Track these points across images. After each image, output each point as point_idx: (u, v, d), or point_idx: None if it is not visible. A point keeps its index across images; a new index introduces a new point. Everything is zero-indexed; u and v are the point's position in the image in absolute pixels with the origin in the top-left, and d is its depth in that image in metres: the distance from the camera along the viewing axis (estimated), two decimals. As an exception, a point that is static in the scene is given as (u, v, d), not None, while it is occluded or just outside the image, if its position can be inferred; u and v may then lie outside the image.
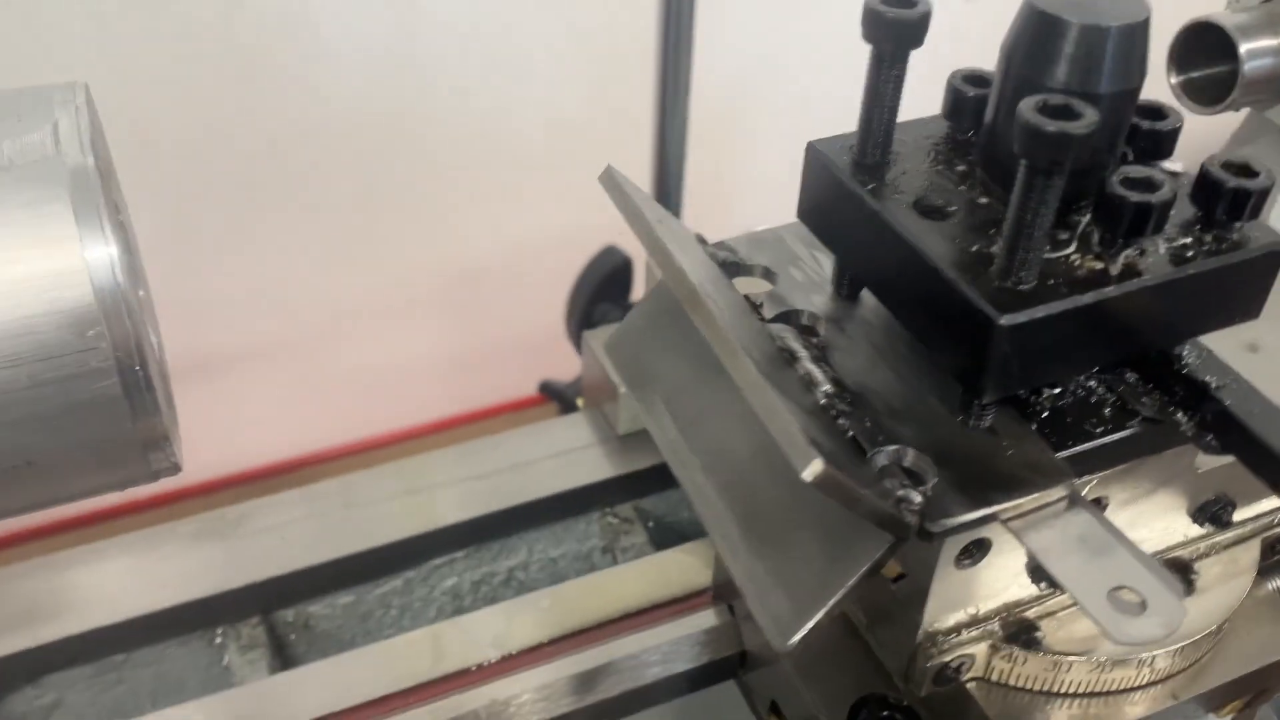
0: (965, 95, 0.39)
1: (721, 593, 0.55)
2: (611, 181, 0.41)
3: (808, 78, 1.21)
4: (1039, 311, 0.33)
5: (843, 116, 0.40)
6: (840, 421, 0.37)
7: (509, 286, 1.27)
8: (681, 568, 0.57)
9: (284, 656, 0.59)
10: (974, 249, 0.35)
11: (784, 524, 0.37)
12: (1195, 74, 0.57)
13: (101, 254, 0.33)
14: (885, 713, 0.47)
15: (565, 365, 1.27)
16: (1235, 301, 0.36)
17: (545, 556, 0.66)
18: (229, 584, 0.57)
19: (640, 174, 1.22)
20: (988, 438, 0.37)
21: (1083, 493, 0.40)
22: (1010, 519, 0.35)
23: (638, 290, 0.99)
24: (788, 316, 0.42)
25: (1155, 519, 0.44)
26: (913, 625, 0.41)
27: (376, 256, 1.23)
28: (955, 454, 0.36)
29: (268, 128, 1.10)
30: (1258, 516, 0.46)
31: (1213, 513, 0.44)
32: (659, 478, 0.65)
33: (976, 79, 0.39)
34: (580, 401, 0.70)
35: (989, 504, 0.34)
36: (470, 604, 0.65)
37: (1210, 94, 0.57)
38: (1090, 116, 0.30)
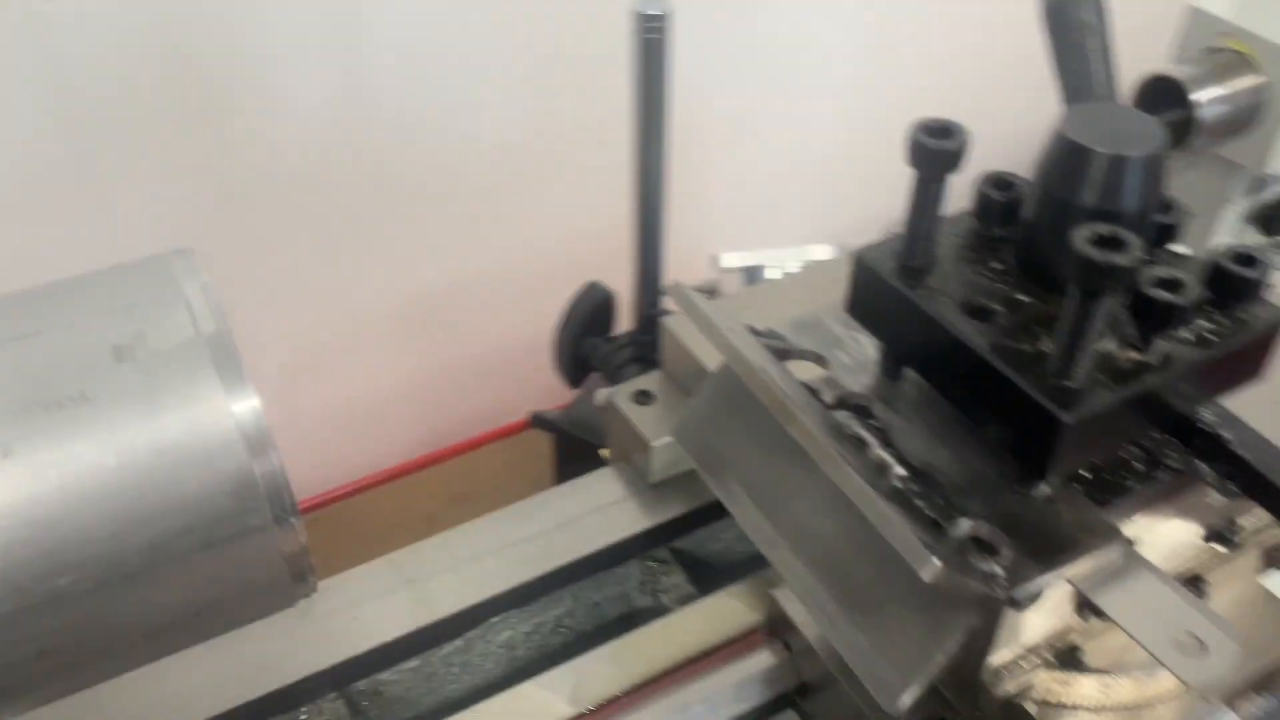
0: (993, 199, 0.44)
1: (776, 629, 0.59)
2: (681, 295, 0.45)
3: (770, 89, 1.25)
4: (1096, 407, 0.38)
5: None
6: (917, 503, 0.42)
7: (473, 314, 1.30)
8: (731, 609, 0.62)
9: (362, 726, 0.63)
10: (1023, 347, 0.40)
11: (878, 599, 0.41)
12: (1155, 118, 0.63)
13: (250, 418, 0.37)
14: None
15: (536, 387, 1.31)
16: (1245, 369, 0.42)
17: (589, 601, 0.70)
18: (311, 668, 0.60)
19: (611, 193, 1.25)
20: (1045, 505, 0.42)
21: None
22: (1074, 577, 0.40)
23: (620, 323, 1.03)
24: (846, 401, 0.47)
25: (1174, 544, 0.49)
26: (979, 665, 0.46)
27: (340, 292, 1.25)
28: (1020, 523, 0.41)
29: (224, 181, 1.11)
30: (1255, 531, 0.52)
31: (1219, 533, 0.50)
32: (690, 522, 0.70)
33: (1004, 183, 0.44)
34: (605, 453, 0.74)
35: (1059, 567, 0.39)
36: (524, 654, 0.69)
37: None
38: (1136, 247, 0.35)
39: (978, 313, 0.42)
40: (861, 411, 0.46)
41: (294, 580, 0.40)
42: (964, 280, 0.43)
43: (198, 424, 0.36)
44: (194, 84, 1.04)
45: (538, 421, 1.08)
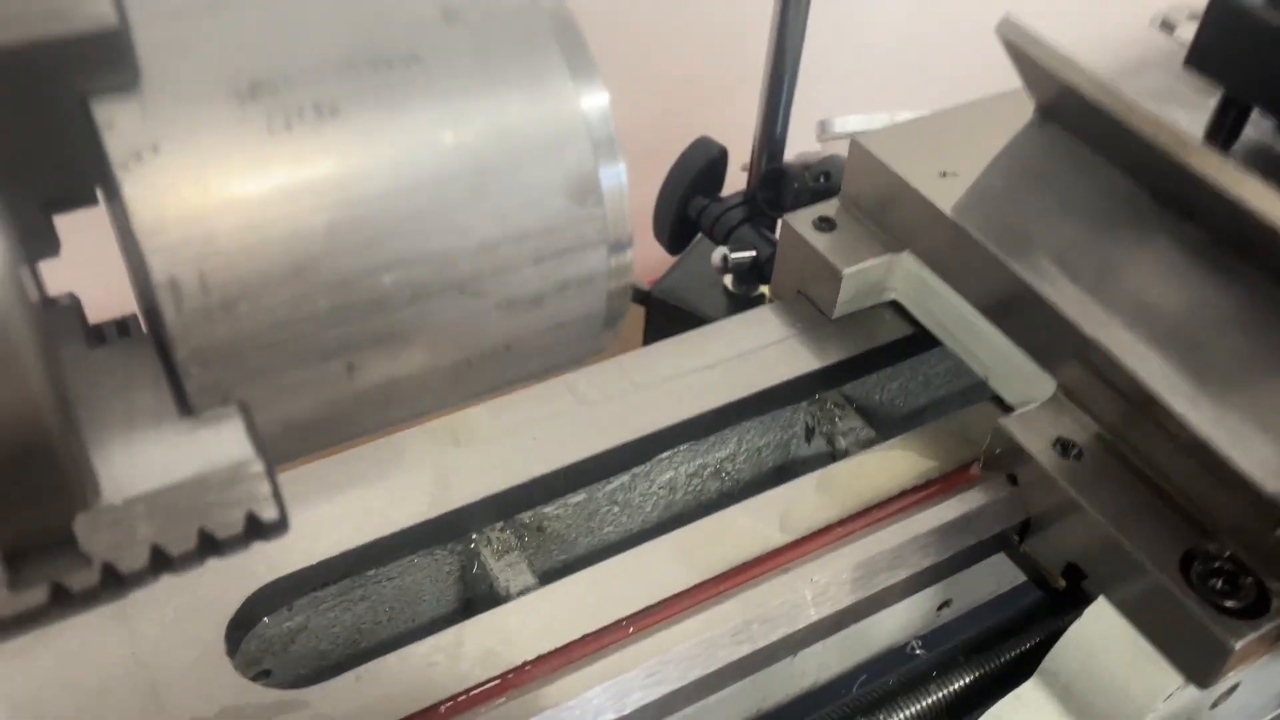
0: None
1: (998, 462, 0.55)
2: (1013, 30, 0.39)
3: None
4: None
5: None
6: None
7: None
8: (942, 445, 0.57)
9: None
10: None
11: (1250, 376, 0.36)
12: None
13: (597, 108, 0.31)
14: (1216, 563, 0.48)
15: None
16: None
17: (752, 446, 0.65)
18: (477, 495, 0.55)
19: (707, 48, 1.19)
20: None
21: None
22: None
23: (731, 184, 0.97)
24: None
25: None
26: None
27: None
28: None
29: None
30: None
31: None
32: (870, 361, 0.65)
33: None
34: (765, 291, 0.69)
35: None
36: (682, 497, 0.65)
37: None
38: None
39: (1380, 52, 0.36)
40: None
41: (605, 324, 0.34)
42: (1352, 21, 0.38)
43: (540, 106, 0.30)
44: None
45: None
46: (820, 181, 0.91)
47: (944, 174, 0.60)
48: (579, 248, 0.31)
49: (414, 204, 0.28)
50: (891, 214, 0.62)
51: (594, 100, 0.30)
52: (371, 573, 0.54)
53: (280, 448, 0.31)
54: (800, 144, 1.06)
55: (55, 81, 0.25)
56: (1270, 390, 0.36)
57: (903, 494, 0.55)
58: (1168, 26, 0.49)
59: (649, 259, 1.18)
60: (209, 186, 0.26)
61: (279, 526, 0.28)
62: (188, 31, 0.28)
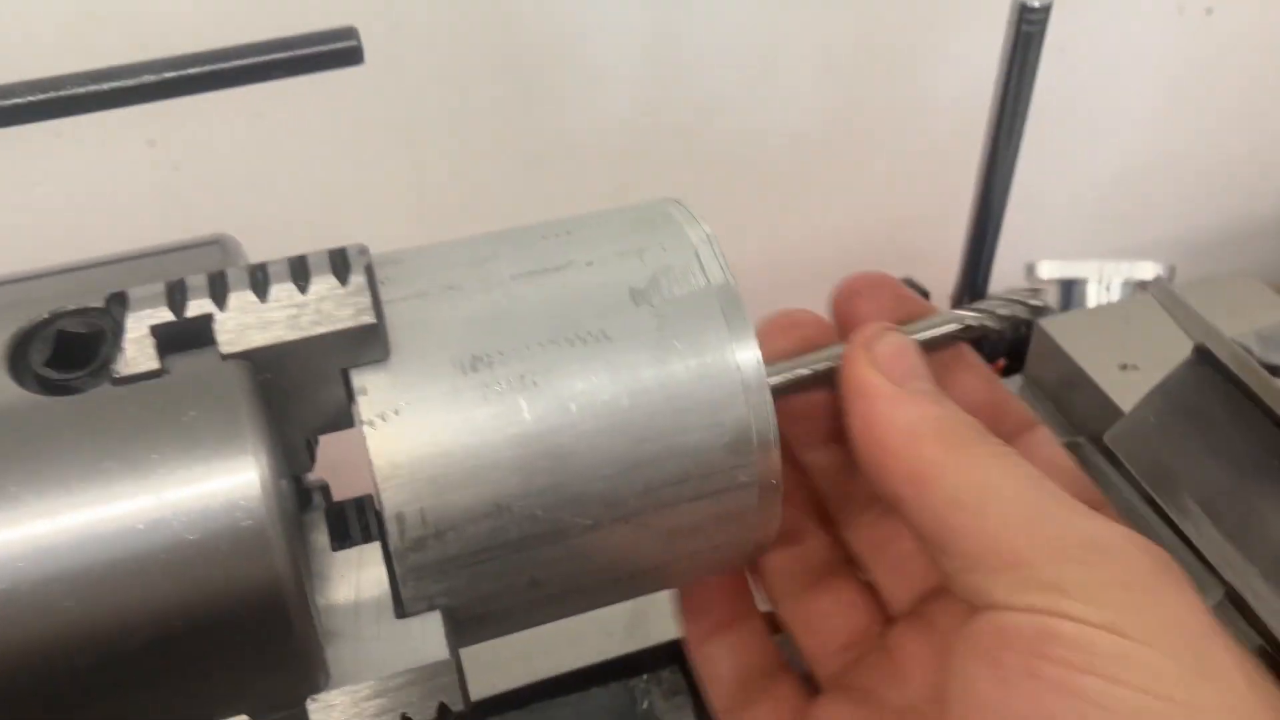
0: None
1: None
2: (1163, 290, 0.42)
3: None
4: None
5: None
6: None
7: (759, 298, 1.29)
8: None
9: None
10: None
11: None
12: None
13: (750, 361, 0.36)
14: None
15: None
16: None
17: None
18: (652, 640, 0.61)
19: (911, 189, 1.23)
20: None
21: None
22: None
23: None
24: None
25: None
26: None
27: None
28: None
29: (526, 148, 1.13)
30: None
31: None
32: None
33: None
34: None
35: None
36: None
37: None
38: None
39: None
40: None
41: (756, 546, 0.39)
42: None
43: (704, 373, 0.36)
44: (514, 50, 1.07)
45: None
46: (1021, 331, 0.92)
47: (1124, 366, 0.62)
48: (733, 487, 0.37)
49: (593, 454, 0.35)
50: (1071, 400, 0.64)
51: (748, 355, 0.36)
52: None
53: (470, 635, 0.37)
54: (1013, 265, 1.07)
55: (327, 360, 0.33)
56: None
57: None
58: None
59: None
60: (433, 442, 0.33)
61: (464, 716, 0.34)
62: (428, 311, 0.35)
